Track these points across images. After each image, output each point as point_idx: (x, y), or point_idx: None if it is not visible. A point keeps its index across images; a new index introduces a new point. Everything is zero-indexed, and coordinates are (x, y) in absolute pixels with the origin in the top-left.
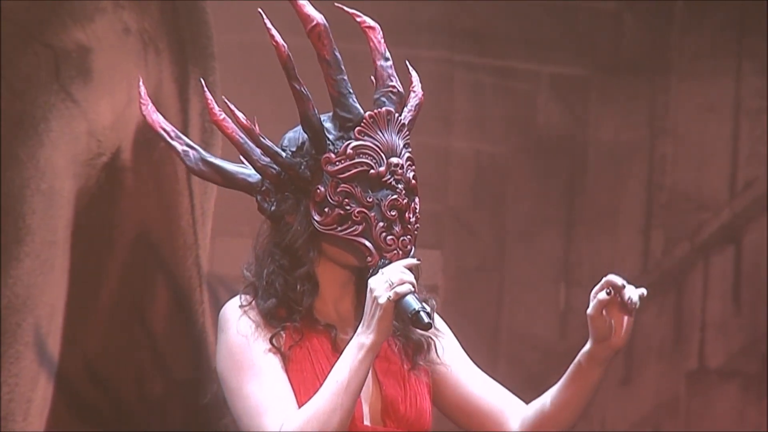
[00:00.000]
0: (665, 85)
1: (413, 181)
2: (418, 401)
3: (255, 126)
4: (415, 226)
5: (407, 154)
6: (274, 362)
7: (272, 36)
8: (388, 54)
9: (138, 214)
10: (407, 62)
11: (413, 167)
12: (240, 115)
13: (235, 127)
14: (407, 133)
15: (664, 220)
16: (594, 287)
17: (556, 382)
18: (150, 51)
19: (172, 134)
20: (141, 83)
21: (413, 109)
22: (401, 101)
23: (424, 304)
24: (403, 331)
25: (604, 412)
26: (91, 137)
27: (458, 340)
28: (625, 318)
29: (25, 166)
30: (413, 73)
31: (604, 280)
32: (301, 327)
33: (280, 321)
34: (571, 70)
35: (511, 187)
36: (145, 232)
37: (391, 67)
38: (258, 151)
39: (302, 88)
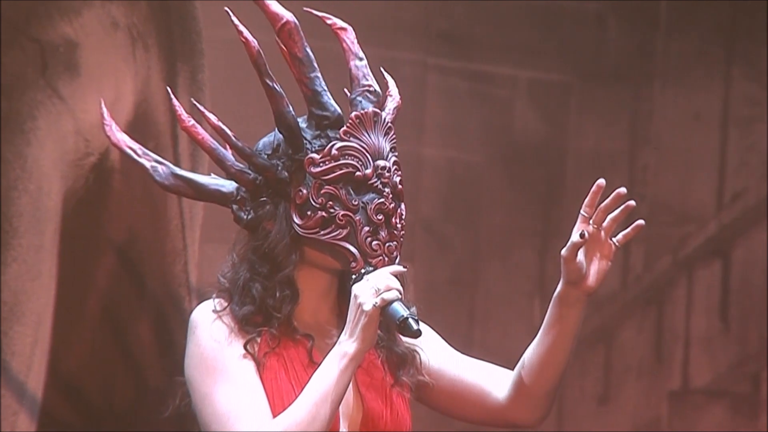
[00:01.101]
0: (648, 92)
1: (399, 186)
2: (399, 417)
3: (227, 128)
4: (401, 233)
5: (394, 158)
6: (249, 368)
7: (240, 32)
8: (362, 54)
9: (127, 218)
10: (381, 68)
11: (399, 172)
12: (211, 116)
13: (205, 133)
14: (393, 136)
15: (645, 233)
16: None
17: None
18: (139, 47)
19: (139, 152)
20: (102, 104)
21: (391, 112)
22: (379, 101)
23: (411, 312)
24: (387, 343)
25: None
26: (78, 136)
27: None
28: (601, 261)
29: (12, 167)
30: (388, 78)
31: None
32: (279, 334)
33: (255, 327)
34: (550, 75)
35: (486, 198)
36: (133, 237)
37: (366, 66)
38: (231, 157)
39: (275, 85)
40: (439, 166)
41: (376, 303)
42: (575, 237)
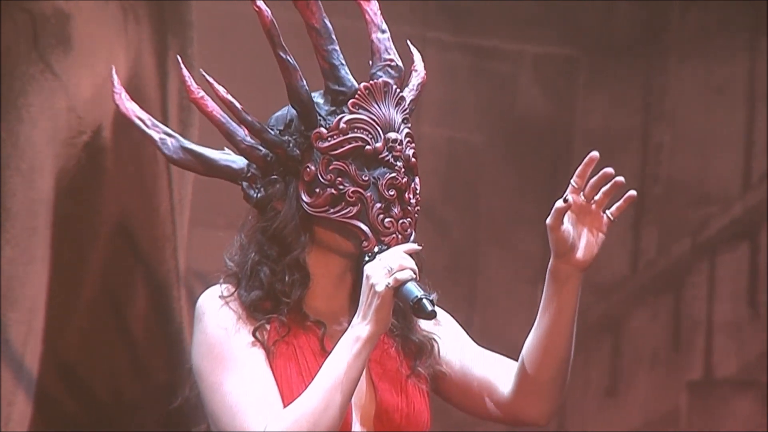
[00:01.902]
0: (663, 65)
1: (413, 159)
2: (415, 411)
3: (236, 101)
4: (416, 209)
5: (406, 130)
6: (258, 357)
7: (254, 0)
8: (384, 26)
9: (119, 200)
10: (408, 42)
11: (413, 144)
12: (220, 88)
13: (215, 105)
14: (406, 107)
15: (658, 215)
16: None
17: None
18: (130, 19)
19: (148, 123)
20: (114, 72)
21: (415, 88)
22: (400, 76)
23: (426, 292)
24: (402, 331)
25: (584, 425)
26: (71, 113)
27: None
28: (590, 232)
29: (4, 144)
30: (415, 52)
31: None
32: (288, 321)
33: (264, 313)
34: (556, 49)
35: (487, 180)
36: (125, 221)
37: (388, 39)
38: (241, 132)
39: (288, 58)
40: (437, 146)
41: (389, 283)
42: (559, 203)
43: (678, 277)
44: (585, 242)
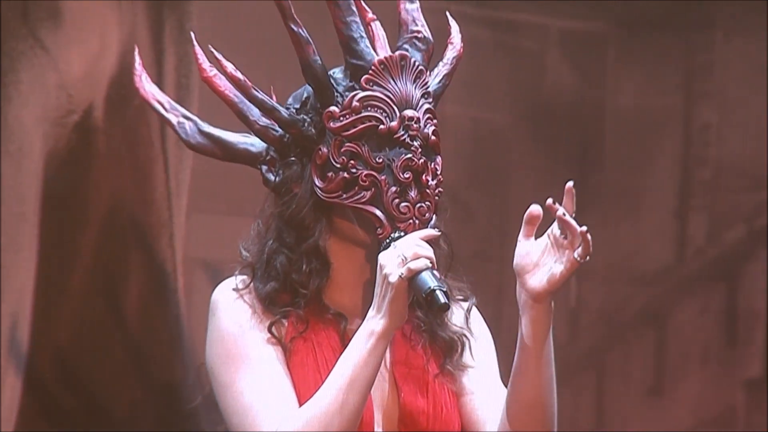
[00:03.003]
0: (706, 41)
1: (433, 138)
2: (444, 414)
3: (246, 78)
4: (436, 191)
5: (426, 106)
6: (273, 354)
7: None
8: None
9: (111, 184)
10: (447, 13)
11: (434, 121)
12: (228, 65)
13: (228, 84)
14: (426, 81)
15: (707, 200)
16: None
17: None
18: None
19: (167, 106)
20: (137, 52)
21: (450, 62)
22: (428, 49)
23: (441, 283)
24: (430, 326)
25: (625, 425)
26: (61, 91)
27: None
28: (556, 263)
29: None
30: (453, 24)
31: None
32: (306, 315)
33: (281, 307)
34: (584, 24)
35: (514, 162)
36: (118, 206)
37: (417, 10)
38: (256, 111)
39: (300, 30)
40: (461, 127)
41: (402, 273)
42: (532, 209)
43: (732, 266)
44: (544, 270)
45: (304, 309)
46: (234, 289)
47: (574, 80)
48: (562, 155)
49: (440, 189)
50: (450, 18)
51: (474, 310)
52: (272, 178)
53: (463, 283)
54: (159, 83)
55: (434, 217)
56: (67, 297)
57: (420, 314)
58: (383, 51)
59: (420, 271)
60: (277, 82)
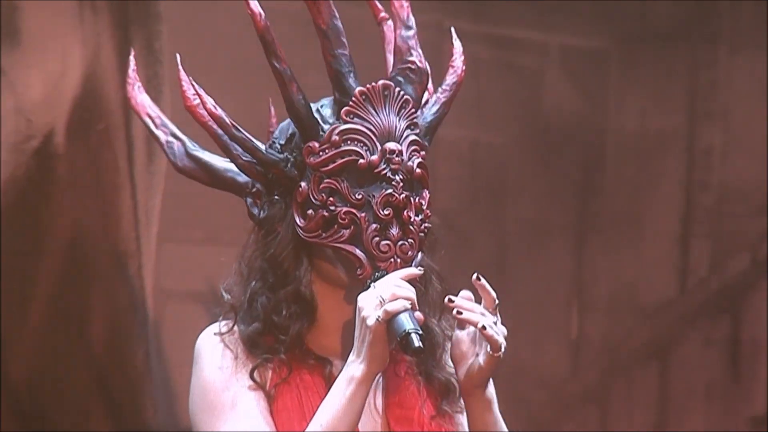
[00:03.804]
0: (711, 57)
1: (418, 170)
2: None
3: (226, 115)
4: (422, 227)
5: (412, 137)
6: (255, 402)
7: (247, 3)
8: (411, 22)
9: (73, 212)
10: (453, 30)
11: (420, 152)
12: (209, 100)
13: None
14: (412, 111)
15: (711, 227)
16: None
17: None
18: (87, 10)
19: (158, 121)
20: (132, 56)
21: (449, 88)
22: (422, 81)
23: (418, 326)
24: (426, 367)
25: None
26: (20, 115)
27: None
28: (482, 356)
29: None
30: (456, 45)
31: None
32: (289, 360)
33: (264, 350)
34: (586, 41)
35: (513, 186)
36: (80, 236)
37: (412, 38)
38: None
39: (283, 67)
40: (456, 149)
41: (380, 316)
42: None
43: (736, 297)
44: (472, 362)
45: (286, 353)
46: (216, 334)
47: (575, 100)
48: (563, 179)
49: (427, 225)
50: (454, 36)
51: None
52: (257, 212)
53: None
54: (125, 104)
55: (419, 254)
56: (27, 329)
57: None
58: (391, 55)
59: (397, 313)
60: (254, 103)
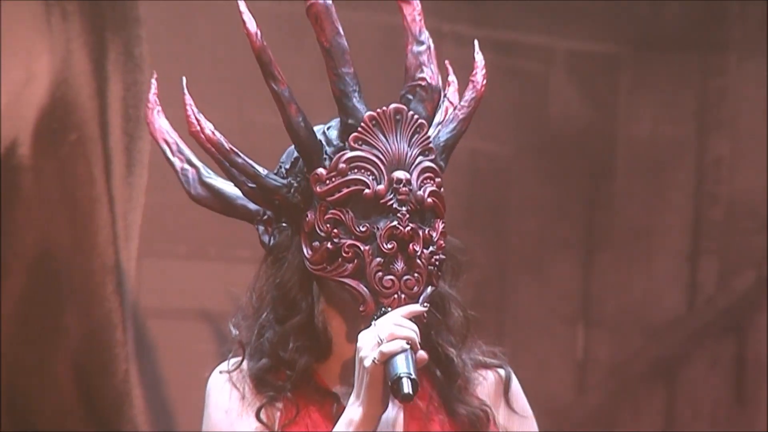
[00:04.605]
0: (721, 64)
1: (429, 200)
2: None
3: (225, 140)
4: (432, 260)
5: (425, 164)
6: None
7: (244, 23)
8: (424, 36)
9: (41, 227)
10: (476, 42)
11: (435, 180)
12: (207, 125)
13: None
14: (425, 137)
15: (719, 243)
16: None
17: None
18: (55, 14)
19: (174, 148)
20: (154, 79)
21: (467, 104)
22: (433, 99)
23: (413, 370)
24: (449, 404)
25: None
26: None
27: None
28: None
29: None
30: (478, 59)
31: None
32: (297, 397)
33: (272, 388)
34: (594, 45)
35: (516, 198)
36: (50, 251)
37: (425, 53)
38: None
39: (281, 89)
40: (456, 160)
41: (375, 358)
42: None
43: (741, 316)
44: None
45: (295, 390)
46: (222, 372)
47: (582, 107)
48: (569, 190)
49: (439, 257)
50: (476, 49)
51: (514, 381)
52: (267, 239)
53: (498, 347)
54: (102, 114)
55: (428, 289)
56: None
57: (437, 390)
58: (434, 80)
59: (394, 355)
60: (238, 108)
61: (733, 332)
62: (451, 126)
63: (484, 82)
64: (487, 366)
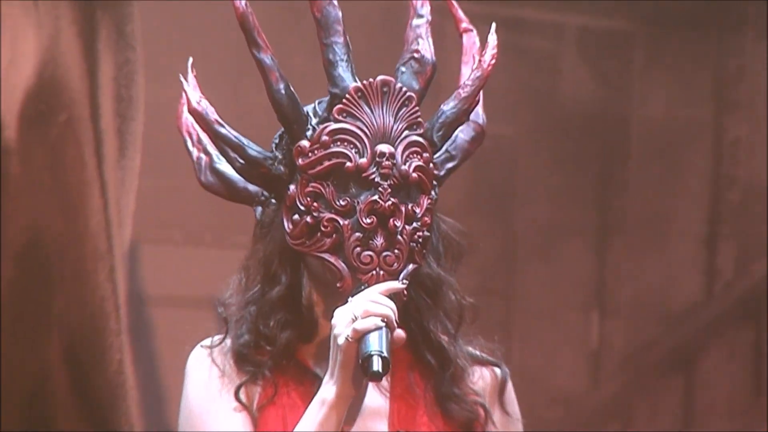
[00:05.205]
0: (738, 43)
1: (414, 175)
2: None
3: (212, 110)
4: (415, 236)
5: (411, 138)
6: (239, 426)
7: None
8: (425, 11)
9: (29, 214)
10: (494, 24)
11: (421, 155)
12: (193, 95)
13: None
14: (414, 110)
15: (737, 227)
16: None
17: None
18: None
19: (194, 138)
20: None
21: (472, 82)
22: (425, 71)
23: (385, 348)
24: (443, 399)
25: None
26: None
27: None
28: None
29: None
30: (491, 39)
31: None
32: (277, 376)
33: (255, 365)
34: (606, 22)
35: (523, 182)
36: (40, 238)
37: (422, 26)
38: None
39: (263, 56)
40: None
41: (348, 336)
42: None
43: (759, 303)
44: None
45: (275, 368)
46: (204, 347)
47: (594, 87)
48: (580, 175)
49: (422, 233)
50: (492, 30)
51: (509, 383)
52: (261, 219)
53: (496, 345)
54: (92, 94)
55: (409, 266)
56: None
57: (430, 381)
58: (466, 67)
59: (367, 332)
60: (234, 86)
61: (752, 320)
62: (452, 104)
63: (493, 62)
64: (483, 363)
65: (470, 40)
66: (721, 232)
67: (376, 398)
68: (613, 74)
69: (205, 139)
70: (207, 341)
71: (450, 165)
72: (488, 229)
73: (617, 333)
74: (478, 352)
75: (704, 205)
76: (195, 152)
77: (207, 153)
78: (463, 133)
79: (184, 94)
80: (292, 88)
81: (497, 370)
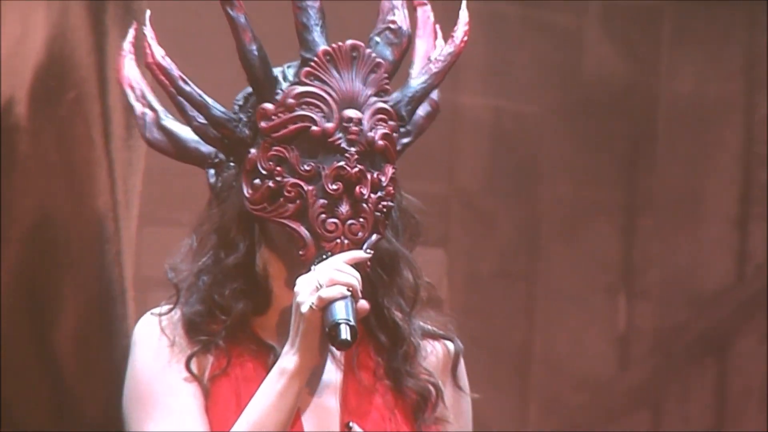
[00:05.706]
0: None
1: (380, 142)
2: None
3: (175, 67)
4: (379, 206)
5: (379, 104)
6: (189, 397)
7: None
8: None
9: (38, 193)
10: (464, 2)
11: (388, 123)
12: (157, 50)
13: (179, 74)
14: (383, 77)
15: None
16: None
17: None
18: None
19: (138, 93)
20: (133, 28)
21: (443, 58)
22: (401, 43)
23: (352, 317)
24: (393, 373)
25: None
26: None
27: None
28: None
29: None
30: (462, 15)
31: None
32: (230, 347)
33: (207, 335)
34: None
35: (546, 162)
36: (48, 218)
37: None
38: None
39: (237, 14)
40: (480, 120)
41: (313, 303)
42: None
43: None
44: None
45: (228, 339)
46: (153, 315)
47: (619, 64)
48: (606, 154)
49: (386, 203)
50: (463, 6)
51: (461, 359)
52: (215, 183)
53: (448, 318)
54: (99, 70)
55: (373, 236)
56: None
57: (382, 357)
58: (421, 40)
59: (333, 301)
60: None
61: None
62: (423, 78)
63: (465, 38)
64: (434, 336)
65: (425, 14)
66: (752, 212)
67: (328, 372)
68: (639, 50)
69: (150, 95)
70: (156, 309)
71: (405, 140)
72: (511, 209)
73: (645, 316)
74: (429, 326)
75: (735, 184)
76: (138, 107)
77: (153, 109)
78: (420, 109)
79: (128, 45)
80: (264, 50)
81: (449, 345)
